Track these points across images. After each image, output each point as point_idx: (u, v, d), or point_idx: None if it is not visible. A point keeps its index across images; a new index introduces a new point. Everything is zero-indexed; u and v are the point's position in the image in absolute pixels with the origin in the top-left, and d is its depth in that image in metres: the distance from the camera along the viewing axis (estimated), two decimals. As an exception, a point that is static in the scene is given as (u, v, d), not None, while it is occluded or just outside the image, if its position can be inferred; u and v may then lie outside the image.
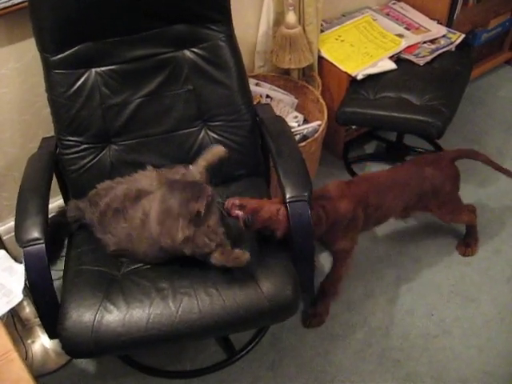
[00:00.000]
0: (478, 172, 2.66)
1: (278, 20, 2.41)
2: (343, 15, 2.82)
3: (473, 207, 2.33)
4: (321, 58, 2.55)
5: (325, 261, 2.32)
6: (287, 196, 1.64)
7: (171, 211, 1.56)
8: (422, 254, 2.39)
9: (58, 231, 1.81)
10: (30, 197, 1.66)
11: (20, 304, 1.63)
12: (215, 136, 1.95)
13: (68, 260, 1.77)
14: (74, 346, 1.55)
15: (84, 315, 1.55)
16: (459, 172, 2.20)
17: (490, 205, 2.33)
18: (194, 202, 1.53)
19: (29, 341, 2.07)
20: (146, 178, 1.79)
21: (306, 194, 1.64)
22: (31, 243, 1.55)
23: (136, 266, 1.72)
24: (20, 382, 1.22)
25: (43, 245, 1.55)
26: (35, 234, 1.56)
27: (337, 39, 2.63)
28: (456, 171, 2.19)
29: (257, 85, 2.52)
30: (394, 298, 2.23)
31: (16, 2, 1.79)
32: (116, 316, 1.55)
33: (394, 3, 2.93)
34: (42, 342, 2.08)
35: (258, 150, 2.00)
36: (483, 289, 2.25)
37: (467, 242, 2.38)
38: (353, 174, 2.76)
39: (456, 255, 2.38)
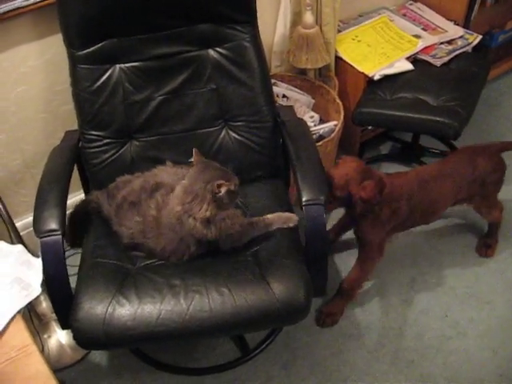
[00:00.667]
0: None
1: (296, 20, 2.42)
2: (360, 16, 2.82)
3: (502, 207, 2.31)
4: (338, 58, 2.56)
5: (342, 264, 2.33)
6: (303, 199, 1.64)
7: (195, 190, 1.60)
8: (436, 256, 2.38)
9: (79, 220, 1.85)
10: (50, 188, 1.68)
11: (37, 299, 1.65)
12: (236, 136, 1.96)
13: (84, 252, 1.79)
14: (85, 337, 1.57)
15: (96, 307, 1.57)
16: (506, 165, 2.19)
17: (505, 206, 2.31)
18: (219, 183, 1.57)
19: (45, 335, 2.09)
20: (165, 173, 1.81)
21: (321, 198, 1.64)
22: (48, 234, 1.57)
23: (150, 262, 1.74)
24: (38, 375, 1.24)
25: (60, 236, 1.57)
26: (53, 225, 1.58)
27: (354, 39, 2.63)
28: (503, 162, 2.18)
29: (274, 84, 2.52)
30: (408, 298, 2.23)
31: (39, -1, 1.81)
32: (127, 310, 1.56)
33: (410, 4, 2.92)
34: (58, 337, 2.09)
35: (278, 152, 2.00)
36: (498, 291, 2.24)
37: (488, 243, 2.37)
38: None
39: (471, 257, 2.37)
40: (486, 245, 2.37)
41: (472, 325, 2.14)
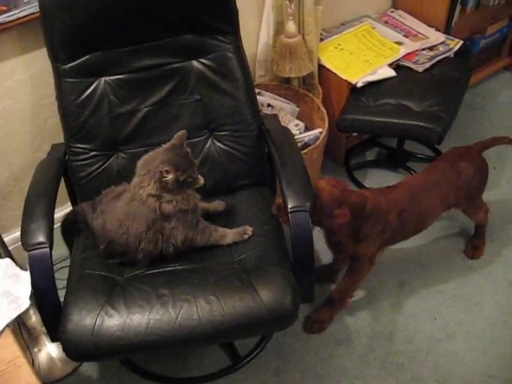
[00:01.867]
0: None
1: (278, 29, 2.44)
2: (342, 24, 2.85)
3: (487, 208, 2.33)
4: (321, 67, 2.58)
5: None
6: (289, 206, 1.65)
7: (150, 166, 1.64)
8: (424, 259, 2.40)
9: (67, 230, 1.87)
10: (37, 201, 1.68)
11: (26, 313, 1.65)
12: (221, 146, 1.98)
13: (73, 264, 1.79)
14: (74, 348, 1.57)
15: (85, 318, 1.57)
16: (487, 165, 2.21)
17: (491, 208, 2.34)
18: (167, 169, 1.60)
19: (35, 349, 2.08)
20: None
21: (307, 205, 1.65)
22: (36, 247, 1.57)
23: (138, 272, 1.74)
24: (28, 387, 1.24)
25: (48, 249, 1.57)
26: (40, 238, 1.58)
27: (336, 47, 2.66)
28: (485, 163, 2.20)
29: (258, 94, 2.54)
30: (397, 302, 2.24)
31: (24, 14, 1.84)
32: (116, 320, 1.57)
33: (392, 11, 2.96)
34: (48, 351, 2.09)
35: (263, 160, 2.02)
36: (486, 292, 2.26)
37: (475, 245, 2.39)
38: (354, 180, 2.78)
39: (459, 260, 2.39)
40: (474, 246, 2.40)
41: (461, 327, 2.15)
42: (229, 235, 1.78)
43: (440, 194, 2.08)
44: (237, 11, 1.90)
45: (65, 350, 1.58)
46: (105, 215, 1.76)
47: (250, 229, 1.79)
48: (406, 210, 2.00)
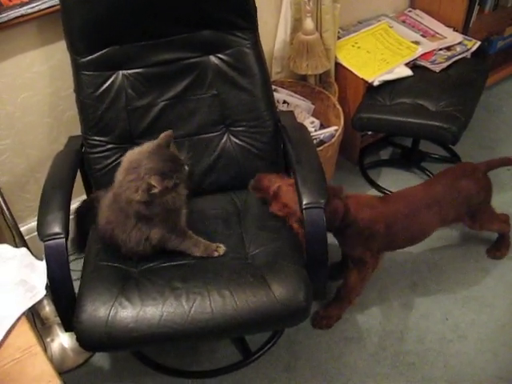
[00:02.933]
0: (492, 180, 2.68)
1: (296, 27, 2.44)
2: (360, 22, 2.85)
3: (506, 217, 2.32)
4: (337, 64, 2.58)
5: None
6: (304, 202, 1.65)
7: (137, 172, 1.59)
8: (437, 260, 2.40)
9: (82, 220, 1.88)
10: (54, 192, 1.70)
11: (40, 303, 1.66)
12: (237, 141, 1.98)
13: (87, 256, 1.80)
14: (88, 338, 1.58)
15: (99, 309, 1.58)
16: (491, 183, 2.19)
17: (504, 211, 2.32)
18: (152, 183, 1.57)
19: (48, 339, 2.10)
20: None
21: (322, 201, 1.65)
22: (52, 237, 1.58)
23: (152, 264, 1.75)
24: (43, 375, 1.24)
25: (63, 239, 1.58)
26: (56, 228, 1.59)
27: (353, 46, 2.66)
28: (489, 183, 2.18)
29: (274, 90, 2.53)
30: (408, 302, 2.24)
31: (45, 6, 1.84)
32: (130, 312, 1.58)
33: (409, 11, 2.95)
34: (61, 341, 2.11)
35: (279, 157, 2.02)
36: (498, 294, 2.26)
37: (498, 247, 2.39)
38: (368, 179, 2.78)
39: (471, 261, 2.38)
40: (497, 248, 2.40)
41: (472, 328, 2.15)
42: (200, 246, 1.74)
43: (439, 211, 2.05)
44: (255, 8, 1.90)
45: (78, 340, 1.59)
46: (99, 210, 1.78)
47: (223, 248, 1.76)
48: (396, 223, 1.99)
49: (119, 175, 1.65)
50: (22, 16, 1.82)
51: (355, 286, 2.10)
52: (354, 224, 1.92)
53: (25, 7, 1.81)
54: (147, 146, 1.66)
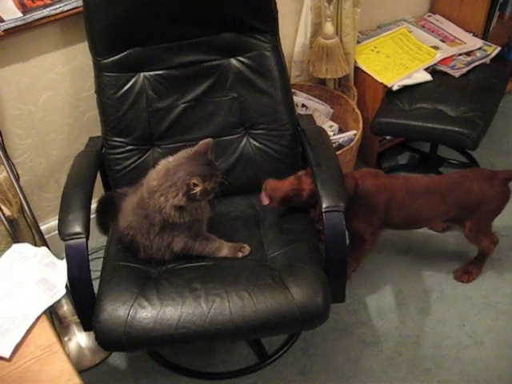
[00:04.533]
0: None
1: (316, 31, 2.45)
2: (379, 27, 2.85)
3: (496, 239, 2.25)
4: (357, 69, 2.58)
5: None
6: (323, 206, 1.65)
7: (175, 178, 1.62)
8: (454, 265, 2.38)
9: (105, 207, 1.90)
10: (75, 192, 1.72)
11: (58, 302, 1.67)
12: (256, 144, 1.99)
13: (107, 255, 1.82)
14: (107, 338, 1.59)
15: (119, 309, 1.59)
16: (510, 194, 2.14)
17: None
18: (195, 182, 1.60)
19: (65, 338, 2.12)
20: None
21: (341, 205, 1.65)
22: (73, 237, 1.60)
23: (171, 266, 1.76)
24: (63, 373, 1.25)
25: (84, 239, 1.60)
26: (77, 228, 1.61)
27: (373, 50, 2.66)
28: (507, 192, 2.13)
29: (293, 94, 2.54)
30: (425, 307, 2.24)
31: (68, 8, 1.86)
32: (149, 312, 1.59)
33: (429, 15, 2.95)
34: (78, 340, 2.12)
35: (298, 160, 2.03)
36: (516, 301, 2.25)
37: (468, 269, 2.33)
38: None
39: (488, 267, 2.36)
40: (467, 271, 2.33)
41: (489, 334, 2.14)
42: (224, 248, 1.77)
43: (439, 202, 2.07)
44: (276, 11, 1.91)
45: (97, 339, 1.60)
46: (120, 211, 1.79)
47: (248, 248, 1.78)
48: (394, 200, 2.03)
49: (152, 181, 1.66)
50: (46, 17, 1.84)
51: (350, 264, 2.15)
52: (357, 192, 1.96)
53: (48, 8, 1.83)
54: (183, 153, 1.68)
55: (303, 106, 2.54)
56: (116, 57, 1.85)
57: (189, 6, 1.83)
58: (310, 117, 2.10)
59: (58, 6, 1.84)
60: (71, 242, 1.60)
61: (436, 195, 2.06)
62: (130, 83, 1.89)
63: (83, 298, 1.64)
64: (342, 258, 1.69)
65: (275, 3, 1.89)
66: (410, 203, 2.06)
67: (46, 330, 1.35)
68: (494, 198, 2.09)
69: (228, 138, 1.98)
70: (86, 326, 1.67)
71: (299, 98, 2.56)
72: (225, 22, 1.89)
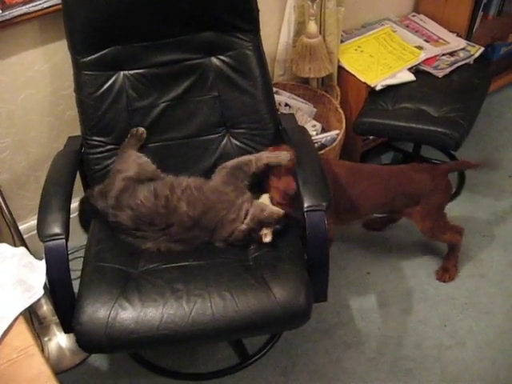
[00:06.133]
0: (493, 185, 2.68)
1: (299, 30, 2.44)
2: (363, 26, 2.85)
3: (460, 229, 2.27)
4: (340, 68, 2.58)
5: (345, 265, 2.34)
6: (305, 205, 1.65)
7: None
8: (436, 266, 2.39)
9: (84, 210, 1.90)
10: (54, 193, 1.69)
11: (38, 302, 1.66)
12: (238, 143, 1.98)
13: (87, 257, 1.79)
14: (87, 340, 1.57)
15: (99, 311, 1.57)
16: (451, 186, 2.22)
17: (505, 217, 2.32)
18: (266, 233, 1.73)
19: (45, 338, 2.09)
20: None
21: (323, 204, 1.65)
22: (52, 238, 1.58)
23: (152, 266, 1.74)
24: (40, 376, 1.23)
25: (63, 240, 1.58)
26: (56, 229, 1.59)
27: (356, 50, 2.65)
28: (448, 184, 2.20)
29: (276, 93, 2.53)
30: (407, 307, 2.24)
31: (48, 5, 1.84)
32: (130, 314, 1.57)
33: (413, 15, 2.95)
34: (58, 341, 2.10)
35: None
36: (497, 301, 2.25)
37: (445, 267, 2.34)
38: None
39: (470, 267, 2.38)
40: (444, 269, 2.34)
41: (471, 335, 2.14)
42: (264, 158, 1.83)
43: (382, 187, 2.12)
44: (258, 10, 1.90)
45: (78, 341, 1.58)
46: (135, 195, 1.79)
47: (289, 154, 1.80)
48: (338, 182, 2.04)
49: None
50: (25, 14, 1.81)
51: None
52: None
53: (27, 5, 1.81)
54: None
55: (286, 105, 2.53)
56: (95, 55, 1.83)
57: (169, 4, 1.82)
58: (292, 116, 2.09)
59: (37, 3, 1.82)
60: (50, 243, 1.58)
61: (378, 179, 2.11)
62: (110, 82, 1.87)
63: (63, 300, 1.62)
64: (324, 258, 1.69)
65: (256, 2, 1.88)
66: (354, 186, 2.07)
67: (22, 332, 1.32)
68: (435, 189, 2.13)
69: (209, 137, 1.97)
70: (67, 328, 1.64)
71: (282, 97, 2.55)
72: (205, 21, 1.87)
